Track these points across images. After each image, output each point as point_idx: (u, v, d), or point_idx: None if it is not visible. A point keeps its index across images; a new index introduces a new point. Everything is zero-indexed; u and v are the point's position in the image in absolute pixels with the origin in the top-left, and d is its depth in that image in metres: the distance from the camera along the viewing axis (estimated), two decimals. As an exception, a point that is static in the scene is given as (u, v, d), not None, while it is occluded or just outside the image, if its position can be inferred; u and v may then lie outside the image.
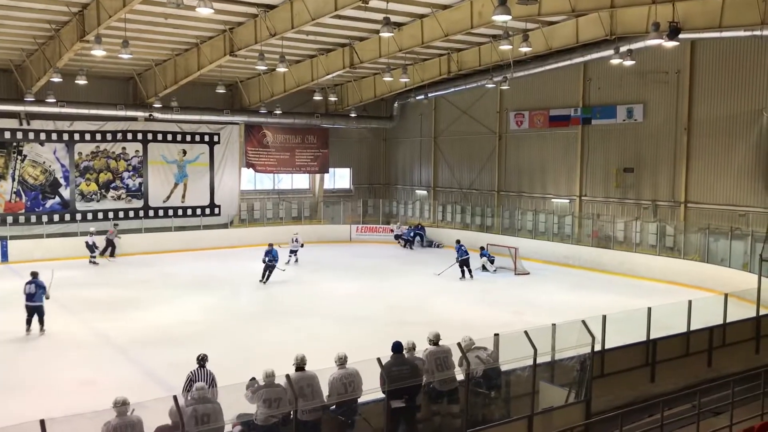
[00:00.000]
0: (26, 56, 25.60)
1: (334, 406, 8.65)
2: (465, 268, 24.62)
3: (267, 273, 23.32)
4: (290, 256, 27.35)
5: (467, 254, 24.73)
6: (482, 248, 26.82)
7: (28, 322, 16.43)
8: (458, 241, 25.67)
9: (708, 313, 13.76)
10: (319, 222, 36.05)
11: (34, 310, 16.44)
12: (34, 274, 16.76)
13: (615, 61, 23.84)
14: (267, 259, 23.35)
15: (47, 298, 16.58)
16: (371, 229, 35.19)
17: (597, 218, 28.27)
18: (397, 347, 9.15)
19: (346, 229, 34.99)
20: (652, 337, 12.37)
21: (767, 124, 22.89)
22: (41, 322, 16.54)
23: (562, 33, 24.63)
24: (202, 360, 10.42)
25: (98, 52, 20.26)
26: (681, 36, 19.97)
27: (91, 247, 27.20)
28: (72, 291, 20.55)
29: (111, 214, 30.80)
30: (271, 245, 23.91)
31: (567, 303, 20.55)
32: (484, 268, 26.17)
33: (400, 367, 8.82)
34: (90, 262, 27.08)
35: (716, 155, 24.53)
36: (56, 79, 24.73)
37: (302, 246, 27.89)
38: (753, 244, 22.21)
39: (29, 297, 16.42)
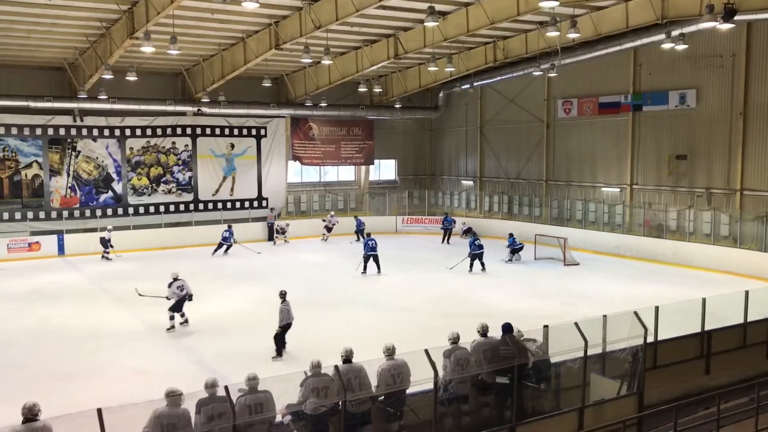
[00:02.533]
0: (79, 54, 26.27)
1: (382, 397, 8.67)
2: (478, 260, 23.89)
3: (372, 262, 23.29)
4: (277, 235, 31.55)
5: (479, 249, 23.88)
6: (510, 235, 26.32)
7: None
8: (474, 233, 25.27)
9: (766, 303, 13.34)
10: (364, 214, 36.13)
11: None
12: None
13: (666, 46, 23.15)
14: (365, 250, 23.43)
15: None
16: (417, 220, 35.15)
17: (649, 207, 27.64)
18: (507, 328, 9.57)
19: (392, 221, 34.99)
20: (707, 328, 12.08)
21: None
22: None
23: (612, 18, 24.05)
24: (283, 295, 13.78)
25: (147, 49, 20.64)
26: (736, 18, 19.26)
27: (106, 243, 26.85)
28: (125, 283, 21.03)
29: (162, 208, 31.45)
30: (368, 235, 24.71)
31: (618, 294, 20.18)
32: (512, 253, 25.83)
33: (507, 347, 9.24)
34: (102, 257, 26.78)
35: (774, 141, 23.74)
36: (107, 76, 25.37)
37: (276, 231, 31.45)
38: (814, 232, 21.48)
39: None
